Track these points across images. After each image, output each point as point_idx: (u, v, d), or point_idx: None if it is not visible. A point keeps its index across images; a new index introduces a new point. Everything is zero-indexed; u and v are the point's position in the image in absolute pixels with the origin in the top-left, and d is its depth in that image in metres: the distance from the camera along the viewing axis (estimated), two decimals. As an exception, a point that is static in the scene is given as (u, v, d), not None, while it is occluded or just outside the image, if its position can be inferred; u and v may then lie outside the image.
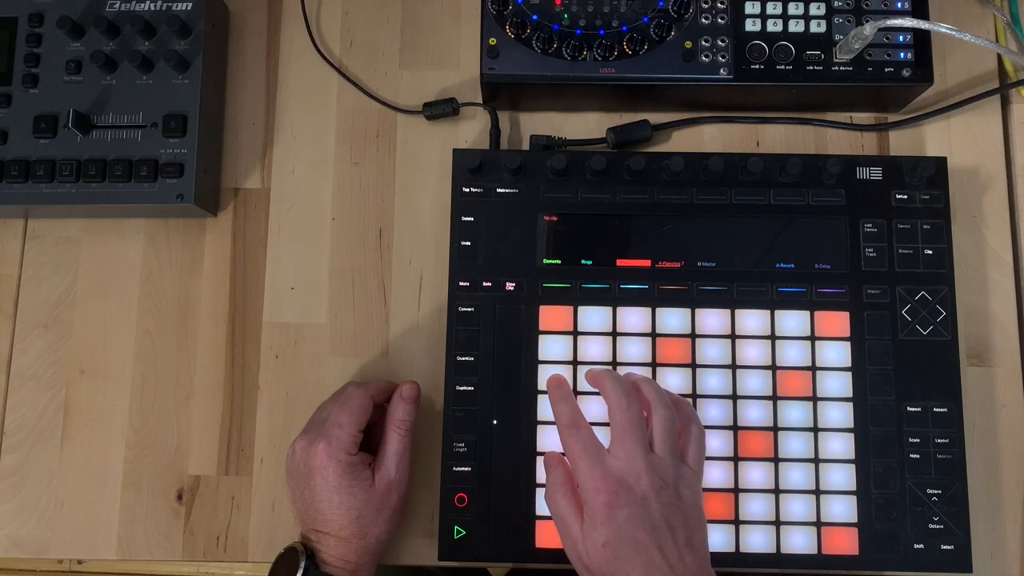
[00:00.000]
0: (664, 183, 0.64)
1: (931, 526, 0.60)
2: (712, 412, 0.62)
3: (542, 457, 0.61)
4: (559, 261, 0.64)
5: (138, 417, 0.66)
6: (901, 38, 0.65)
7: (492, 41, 0.64)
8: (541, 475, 0.61)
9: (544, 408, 0.62)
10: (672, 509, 0.51)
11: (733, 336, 0.63)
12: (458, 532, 0.60)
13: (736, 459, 0.61)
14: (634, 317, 0.63)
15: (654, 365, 0.62)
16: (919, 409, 0.62)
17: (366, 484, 0.57)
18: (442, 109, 0.69)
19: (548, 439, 0.61)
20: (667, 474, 0.52)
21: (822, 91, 0.66)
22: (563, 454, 0.55)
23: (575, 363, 0.62)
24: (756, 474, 0.61)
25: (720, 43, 0.65)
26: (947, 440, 0.61)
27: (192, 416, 0.66)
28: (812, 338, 0.63)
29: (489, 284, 0.64)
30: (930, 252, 0.64)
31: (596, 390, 0.58)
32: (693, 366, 0.62)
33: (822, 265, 0.64)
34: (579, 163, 0.64)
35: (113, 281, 0.68)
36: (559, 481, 0.54)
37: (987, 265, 0.67)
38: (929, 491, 0.61)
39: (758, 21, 0.65)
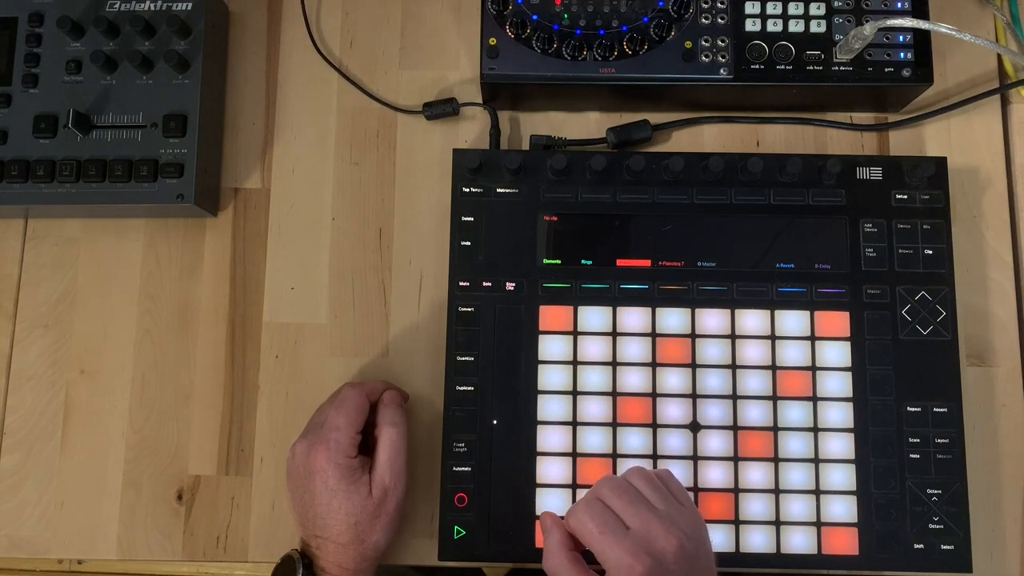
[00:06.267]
0: (664, 183, 0.64)
1: (931, 526, 0.60)
2: (712, 412, 0.62)
3: (543, 457, 0.61)
4: (559, 261, 0.64)
5: (138, 417, 0.66)
6: (901, 38, 0.65)
7: (492, 41, 0.64)
8: (541, 475, 0.61)
9: (544, 408, 0.62)
10: (696, 561, 0.50)
11: (733, 336, 0.63)
12: (458, 532, 0.60)
13: (736, 459, 0.61)
14: (634, 317, 0.63)
15: (654, 365, 0.62)
16: (919, 409, 0.62)
17: (364, 490, 0.56)
18: (442, 109, 0.69)
19: (548, 439, 0.61)
20: (682, 524, 0.51)
21: (822, 91, 0.66)
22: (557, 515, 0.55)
23: (575, 363, 0.62)
24: (756, 474, 0.61)
25: (720, 43, 0.65)
26: (947, 440, 0.61)
27: (192, 416, 0.66)
28: (812, 338, 0.63)
29: (489, 284, 0.64)
30: (930, 252, 0.64)
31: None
32: (693, 366, 0.62)
33: (822, 265, 0.64)
34: (579, 163, 0.64)
35: (113, 281, 0.68)
36: (558, 543, 0.53)
37: (987, 265, 0.67)
38: (929, 491, 0.61)
39: (758, 21, 0.65)
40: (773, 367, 0.62)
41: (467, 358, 0.62)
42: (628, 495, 0.52)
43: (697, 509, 0.55)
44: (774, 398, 0.62)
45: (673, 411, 0.62)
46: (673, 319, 0.63)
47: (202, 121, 0.65)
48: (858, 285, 0.63)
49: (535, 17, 0.65)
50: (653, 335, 0.63)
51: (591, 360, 0.62)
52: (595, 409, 0.62)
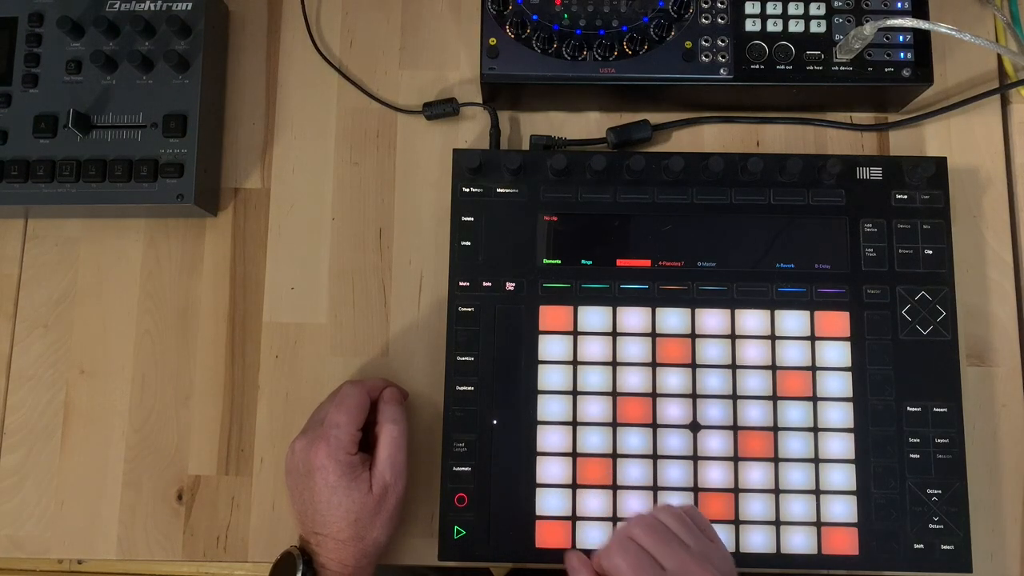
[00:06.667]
0: (664, 183, 0.64)
1: (931, 526, 0.60)
2: (712, 412, 0.62)
3: (543, 457, 0.61)
4: (559, 261, 0.64)
5: (138, 417, 0.66)
6: (901, 38, 0.65)
7: (492, 41, 0.64)
8: (541, 475, 0.61)
9: (544, 408, 0.62)
10: None
11: (733, 336, 0.63)
12: (458, 532, 0.60)
13: (736, 459, 0.61)
14: (634, 317, 0.63)
15: (654, 365, 0.62)
16: (919, 409, 0.62)
17: (364, 487, 0.57)
18: (442, 109, 0.69)
19: (548, 439, 0.61)
20: (715, 560, 0.50)
21: (822, 91, 0.66)
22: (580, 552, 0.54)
23: (575, 363, 0.62)
24: (756, 474, 0.61)
25: (720, 43, 0.65)
26: (947, 440, 0.61)
27: (192, 416, 0.66)
28: (812, 338, 0.63)
29: (489, 284, 0.64)
30: (930, 252, 0.64)
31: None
32: (693, 366, 0.62)
33: (822, 265, 0.64)
34: (579, 163, 0.64)
35: (113, 281, 0.68)
36: None
37: (987, 265, 0.67)
38: (929, 491, 0.61)
39: (758, 21, 0.65)
40: (773, 367, 0.62)
41: (467, 358, 0.62)
42: (660, 534, 0.51)
43: (723, 543, 0.54)
44: (774, 398, 0.62)
45: (673, 411, 0.62)
46: (673, 319, 0.63)
47: (202, 121, 0.65)
48: (858, 285, 0.63)
49: (535, 17, 0.65)
50: (653, 335, 0.63)
51: (591, 360, 0.62)
52: (595, 409, 0.62)
